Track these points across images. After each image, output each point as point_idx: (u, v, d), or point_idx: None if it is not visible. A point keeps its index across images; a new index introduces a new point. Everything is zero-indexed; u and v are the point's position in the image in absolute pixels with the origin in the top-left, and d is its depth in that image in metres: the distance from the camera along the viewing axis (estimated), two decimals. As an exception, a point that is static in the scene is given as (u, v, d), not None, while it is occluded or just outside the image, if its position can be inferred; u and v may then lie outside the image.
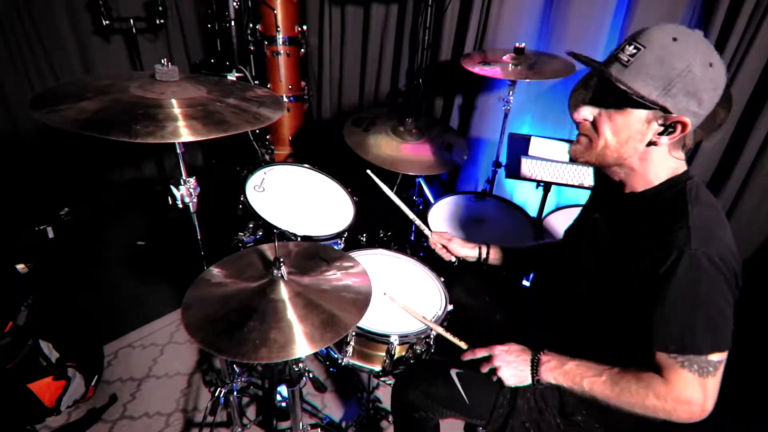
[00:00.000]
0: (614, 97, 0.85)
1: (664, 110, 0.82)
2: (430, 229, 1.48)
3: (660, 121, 0.84)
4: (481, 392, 1.11)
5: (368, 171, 1.50)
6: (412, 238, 2.35)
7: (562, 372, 0.98)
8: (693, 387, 0.83)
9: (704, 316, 0.81)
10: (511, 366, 1.04)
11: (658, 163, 0.90)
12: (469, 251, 1.42)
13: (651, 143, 0.87)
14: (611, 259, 0.95)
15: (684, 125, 0.82)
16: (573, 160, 0.99)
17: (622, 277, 0.90)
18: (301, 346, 0.89)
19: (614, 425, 1.04)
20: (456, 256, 1.44)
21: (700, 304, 0.81)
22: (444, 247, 1.45)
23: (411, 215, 1.47)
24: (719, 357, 0.83)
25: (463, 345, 1.17)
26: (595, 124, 0.91)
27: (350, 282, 1.10)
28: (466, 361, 1.14)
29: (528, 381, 1.03)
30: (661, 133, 0.85)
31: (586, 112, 0.91)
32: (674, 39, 0.79)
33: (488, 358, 1.08)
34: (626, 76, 0.82)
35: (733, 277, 0.82)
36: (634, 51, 0.81)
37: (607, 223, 1.03)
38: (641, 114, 0.84)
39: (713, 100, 0.82)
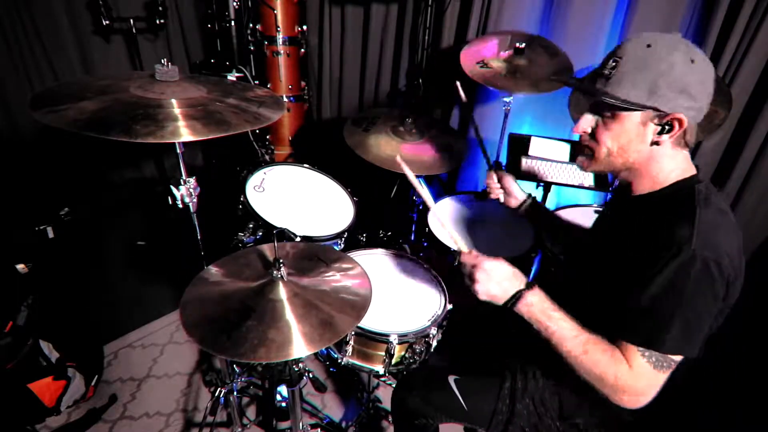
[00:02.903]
0: (605, 107, 0.90)
1: (656, 110, 0.85)
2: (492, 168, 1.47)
3: (656, 121, 0.87)
4: (479, 399, 1.11)
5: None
6: (413, 238, 2.36)
7: (541, 314, 0.94)
8: (647, 378, 0.84)
9: (681, 320, 0.81)
10: (490, 284, 0.98)
11: (665, 163, 0.91)
12: (519, 192, 1.45)
13: (654, 143, 0.89)
14: (612, 253, 0.95)
15: (680, 121, 0.85)
16: (583, 171, 1.02)
17: (620, 270, 0.90)
18: (299, 346, 0.89)
19: (615, 427, 1.04)
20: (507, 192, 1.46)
21: (681, 305, 0.81)
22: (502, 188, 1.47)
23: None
24: (679, 357, 0.84)
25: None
26: (594, 134, 0.94)
27: (349, 284, 1.10)
28: (464, 368, 1.13)
29: (499, 303, 0.98)
30: (660, 132, 0.87)
31: (585, 125, 0.95)
32: (648, 45, 0.84)
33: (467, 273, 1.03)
34: (610, 87, 0.87)
35: (723, 288, 0.82)
36: (614, 64, 0.87)
37: (613, 219, 1.05)
38: (635, 117, 0.87)
39: (706, 93, 0.85)
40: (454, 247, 1.18)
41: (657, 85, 0.83)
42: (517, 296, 0.96)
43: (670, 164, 0.91)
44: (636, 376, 0.84)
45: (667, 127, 0.86)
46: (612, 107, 0.88)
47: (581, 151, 1.00)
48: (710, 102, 0.87)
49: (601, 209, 1.93)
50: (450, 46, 2.39)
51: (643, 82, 0.84)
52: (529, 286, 0.97)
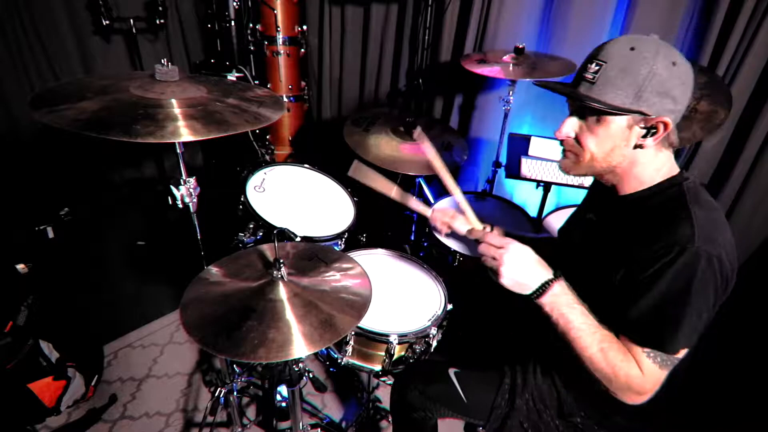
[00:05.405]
0: (590, 112, 0.89)
1: (642, 114, 0.84)
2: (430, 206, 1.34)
3: (641, 125, 0.86)
4: (479, 392, 1.11)
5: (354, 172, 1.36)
6: (413, 237, 2.36)
7: (566, 306, 0.91)
8: (655, 377, 0.85)
9: (689, 319, 0.82)
10: (519, 270, 0.95)
11: (648, 164, 0.91)
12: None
13: (637, 146, 0.89)
14: (605, 257, 0.94)
15: (665, 124, 0.85)
16: (565, 174, 1.02)
17: (615, 273, 0.90)
18: (299, 346, 0.89)
19: (614, 426, 1.04)
20: (459, 233, 1.31)
21: (689, 304, 0.81)
22: (447, 224, 1.33)
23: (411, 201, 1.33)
24: (683, 354, 0.85)
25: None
26: (578, 139, 0.94)
27: (349, 283, 1.10)
28: (465, 362, 1.13)
29: (525, 293, 0.94)
30: (645, 136, 0.87)
31: (568, 129, 0.95)
32: (631, 48, 0.83)
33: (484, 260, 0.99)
34: (595, 92, 0.86)
35: (724, 282, 0.83)
36: (597, 68, 0.86)
37: (601, 222, 1.04)
38: (621, 121, 0.87)
39: (686, 95, 0.85)
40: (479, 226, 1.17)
41: (642, 89, 0.82)
42: (545, 286, 0.93)
43: (653, 165, 0.91)
44: (645, 377, 0.85)
45: (652, 131, 0.86)
46: (598, 112, 0.87)
47: (565, 155, 1.00)
48: (689, 103, 0.87)
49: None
50: (450, 47, 2.39)
51: (629, 87, 0.83)
52: (556, 275, 0.95)
